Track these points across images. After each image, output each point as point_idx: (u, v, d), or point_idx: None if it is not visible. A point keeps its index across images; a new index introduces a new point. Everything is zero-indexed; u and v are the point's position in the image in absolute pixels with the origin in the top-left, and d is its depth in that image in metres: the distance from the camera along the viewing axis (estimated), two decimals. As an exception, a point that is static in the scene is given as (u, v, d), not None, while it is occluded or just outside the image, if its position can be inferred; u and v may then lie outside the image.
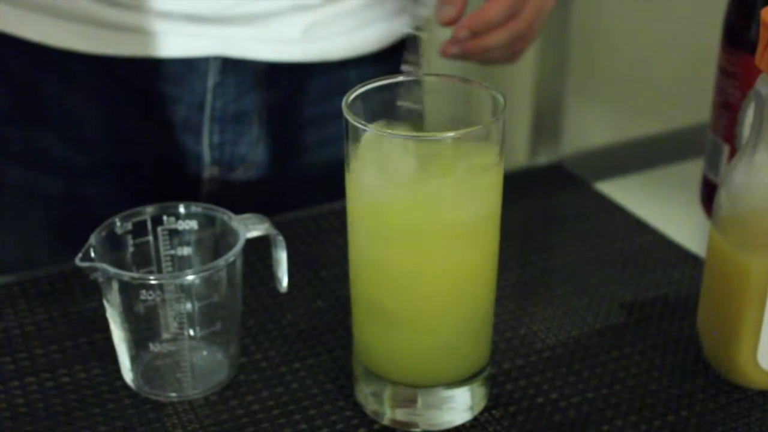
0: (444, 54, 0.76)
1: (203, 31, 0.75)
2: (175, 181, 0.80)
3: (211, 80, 0.77)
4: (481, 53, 0.76)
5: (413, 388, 0.56)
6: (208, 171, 0.80)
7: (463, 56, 0.76)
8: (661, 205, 0.80)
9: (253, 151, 0.80)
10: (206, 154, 0.79)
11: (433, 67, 0.81)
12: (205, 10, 0.74)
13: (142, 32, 0.74)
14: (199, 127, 0.78)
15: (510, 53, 0.79)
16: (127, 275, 0.56)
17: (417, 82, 0.54)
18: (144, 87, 0.77)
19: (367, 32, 0.80)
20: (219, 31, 0.75)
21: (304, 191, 0.83)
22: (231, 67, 0.76)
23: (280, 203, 0.78)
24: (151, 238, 0.60)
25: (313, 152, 0.83)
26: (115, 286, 0.56)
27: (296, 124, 0.82)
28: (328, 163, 0.82)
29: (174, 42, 0.75)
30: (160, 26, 0.74)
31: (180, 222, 0.60)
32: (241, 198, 0.79)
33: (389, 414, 0.57)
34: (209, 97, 0.77)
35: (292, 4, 0.75)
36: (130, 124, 0.78)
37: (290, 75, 0.79)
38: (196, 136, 0.79)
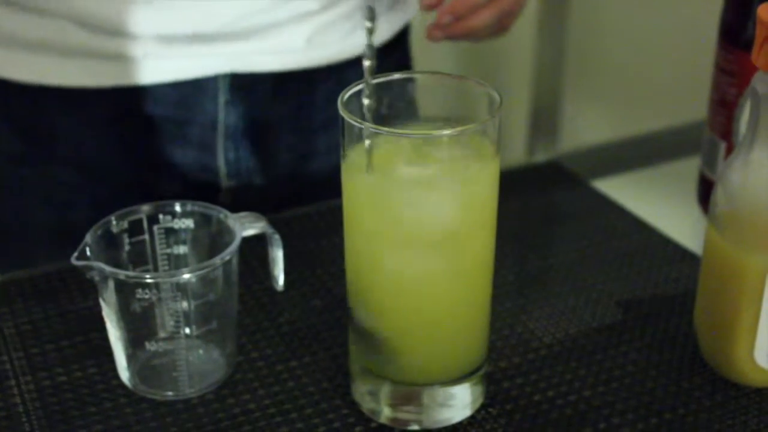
0: (429, 38, 0.75)
1: (209, 50, 0.74)
2: (193, 192, 0.79)
3: (222, 98, 0.76)
4: (466, 35, 0.76)
5: (410, 387, 0.56)
6: (225, 184, 0.81)
7: (450, 39, 0.76)
8: (658, 203, 0.80)
9: (267, 161, 0.80)
10: (222, 169, 0.80)
11: (428, 63, 0.81)
12: (208, 29, 0.73)
13: (147, 59, 0.73)
14: (213, 145, 0.78)
15: (498, 29, 0.79)
16: (123, 274, 0.55)
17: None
18: (154, 113, 0.76)
19: (359, 34, 0.80)
20: (224, 48, 0.74)
21: (318, 194, 0.83)
22: (240, 82, 0.76)
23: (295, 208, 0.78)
24: (147, 236, 0.60)
25: (325, 156, 0.83)
26: (111, 284, 0.56)
27: (307, 130, 0.82)
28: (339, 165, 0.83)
29: (181, 65, 0.74)
30: (164, 51, 0.73)
31: (176, 220, 0.60)
32: (257, 206, 0.79)
33: (386, 412, 0.57)
34: (221, 115, 0.77)
35: (293, 14, 0.75)
36: (145, 149, 0.78)
37: (297, 83, 0.79)
38: (211, 154, 0.79)
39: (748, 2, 0.67)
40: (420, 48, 0.90)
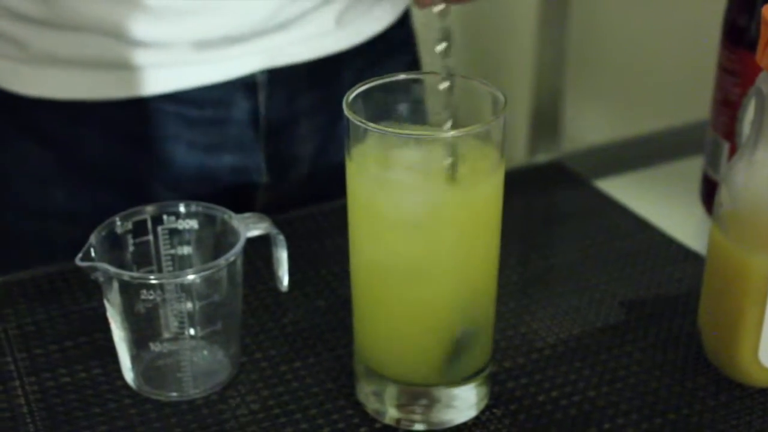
0: (419, 5, 0.75)
1: (244, 50, 0.74)
2: (230, 197, 0.79)
3: (262, 94, 0.76)
4: None
5: (414, 387, 0.56)
6: (264, 182, 0.80)
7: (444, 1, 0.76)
8: (662, 203, 0.80)
9: (303, 151, 0.80)
10: (262, 167, 0.79)
11: (429, 63, 0.81)
12: (241, 30, 0.73)
13: (184, 66, 0.73)
14: (252, 142, 0.78)
15: None
16: (127, 275, 0.55)
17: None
18: (192, 118, 0.76)
19: (386, 5, 0.80)
20: (258, 45, 0.74)
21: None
22: (277, 76, 0.76)
23: (332, 196, 0.76)
24: (151, 237, 0.60)
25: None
26: (116, 285, 0.56)
27: (338, 114, 0.82)
28: None
29: (217, 67, 0.74)
30: (199, 57, 0.73)
31: (180, 221, 0.60)
32: (294, 197, 0.79)
33: (390, 413, 0.57)
34: (262, 111, 0.77)
35: (319, 0, 0.75)
36: (179, 158, 0.77)
37: (328, 67, 0.79)
38: (250, 151, 0.79)
39: (752, 2, 0.67)
40: (420, 48, 0.90)
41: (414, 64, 0.88)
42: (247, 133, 0.78)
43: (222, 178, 0.79)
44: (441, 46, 0.53)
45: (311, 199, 0.77)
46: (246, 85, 0.76)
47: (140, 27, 0.70)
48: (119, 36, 0.71)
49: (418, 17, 0.87)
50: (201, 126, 0.76)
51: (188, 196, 0.77)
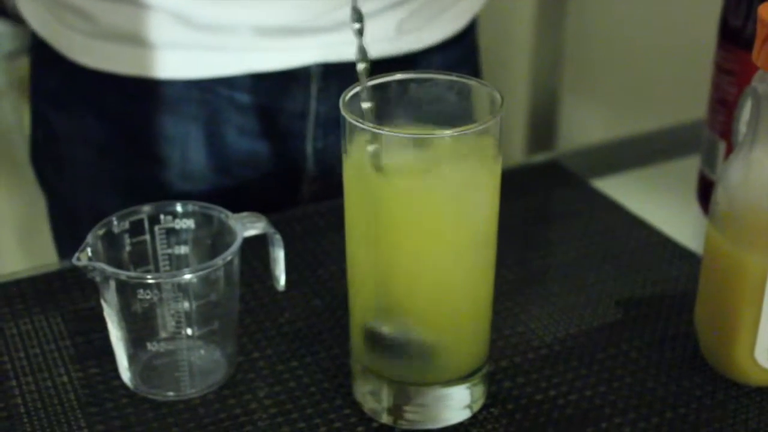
0: None
1: (301, 42, 0.75)
2: (276, 189, 0.80)
3: (315, 87, 0.77)
4: None
5: (411, 387, 0.56)
6: (311, 173, 0.81)
7: None
8: (658, 202, 0.80)
9: None
10: (310, 158, 0.80)
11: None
12: (299, 22, 0.74)
13: (240, 51, 0.74)
14: (302, 134, 0.79)
15: None
16: (124, 274, 0.55)
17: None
18: (245, 103, 0.77)
19: (447, 15, 0.81)
20: (316, 39, 0.75)
21: None
22: (333, 71, 0.77)
23: None
24: (148, 237, 0.60)
25: None
26: (113, 285, 0.56)
27: None
28: None
29: (274, 57, 0.75)
30: (259, 43, 0.74)
31: (177, 221, 0.60)
32: (341, 190, 0.80)
33: (387, 412, 0.57)
34: (313, 104, 0.78)
35: (382, 5, 0.75)
36: (230, 141, 0.78)
37: (386, 69, 0.79)
38: (299, 143, 0.79)
39: (748, 1, 0.67)
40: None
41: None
42: (297, 124, 0.79)
43: (270, 165, 0.80)
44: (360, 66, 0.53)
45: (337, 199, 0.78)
46: (300, 76, 0.77)
47: (202, 8, 0.72)
48: (181, 16, 0.72)
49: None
50: (252, 112, 0.77)
51: (236, 180, 0.79)
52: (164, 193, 0.78)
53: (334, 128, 0.79)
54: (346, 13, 0.74)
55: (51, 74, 0.80)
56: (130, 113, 0.78)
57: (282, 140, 0.79)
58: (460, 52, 0.86)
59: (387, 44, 0.78)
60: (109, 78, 0.76)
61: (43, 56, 0.81)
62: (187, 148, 0.78)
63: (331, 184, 0.82)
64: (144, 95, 0.76)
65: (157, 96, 0.76)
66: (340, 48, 0.76)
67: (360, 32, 0.52)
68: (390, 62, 0.79)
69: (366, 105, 0.53)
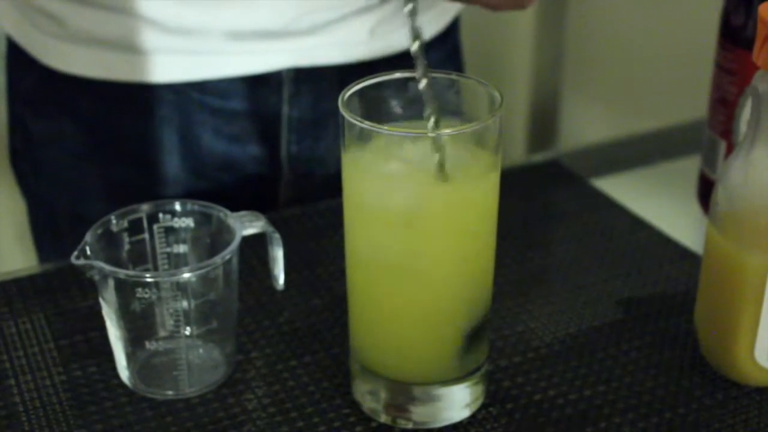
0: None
1: (274, 46, 0.75)
2: (253, 193, 0.80)
3: (287, 91, 0.77)
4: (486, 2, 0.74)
5: (410, 386, 0.56)
6: (287, 177, 0.81)
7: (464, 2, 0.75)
8: (658, 202, 0.80)
9: (329, 153, 0.81)
10: (285, 162, 0.80)
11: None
12: (273, 26, 0.74)
13: (213, 55, 0.74)
14: (276, 138, 0.79)
15: (517, 2, 0.76)
16: (122, 273, 0.55)
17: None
18: (218, 107, 0.77)
19: (424, 19, 0.80)
20: (289, 43, 0.75)
21: None
22: (305, 76, 0.77)
23: None
24: (147, 235, 0.60)
25: None
26: (111, 283, 0.56)
27: None
28: None
29: (246, 61, 0.75)
30: (232, 47, 0.74)
31: (176, 219, 0.60)
32: (319, 195, 0.79)
33: (386, 412, 0.57)
34: (285, 108, 0.78)
35: (355, 9, 0.75)
36: (204, 145, 0.78)
37: (358, 74, 0.79)
38: (273, 147, 0.79)
39: (748, 1, 0.67)
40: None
41: None
42: (270, 128, 0.79)
43: (246, 169, 0.80)
44: (415, 46, 0.53)
45: (336, 198, 0.78)
46: (271, 81, 0.76)
47: (174, 12, 0.71)
48: (152, 20, 0.72)
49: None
50: (226, 116, 0.77)
51: (213, 184, 0.79)
52: (143, 197, 0.78)
53: (307, 133, 0.79)
54: (319, 17, 0.74)
55: (26, 77, 0.80)
56: (104, 117, 0.78)
57: (256, 144, 0.79)
58: (442, 53, 0.86)
59: (361, 47, 0.77)
60: (83, 82, 0.75)
61: (18, 59, 0.80)
62: (162, 151, 0.78)
63: (308, 189, 0.82)
64: (117, 99, 0.76)
65: (131, 100, 0.76)
66: (311, 52, 0.76)
67: (413, 12, 0.52)
68: (366, 67, 0.78)
69: (423, 84, 0.52)
